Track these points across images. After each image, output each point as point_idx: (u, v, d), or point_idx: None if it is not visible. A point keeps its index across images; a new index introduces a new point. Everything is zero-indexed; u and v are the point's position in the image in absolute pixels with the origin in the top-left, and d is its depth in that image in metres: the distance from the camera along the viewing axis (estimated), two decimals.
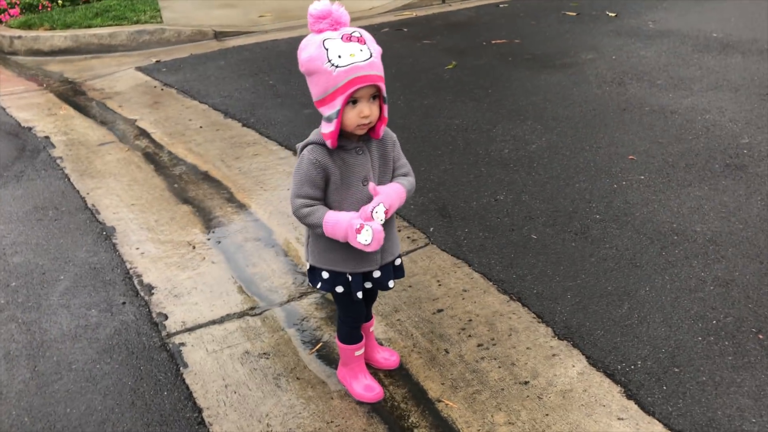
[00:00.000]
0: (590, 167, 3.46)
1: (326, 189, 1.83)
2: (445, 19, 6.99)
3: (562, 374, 2.15)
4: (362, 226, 1.72)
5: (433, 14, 7.27)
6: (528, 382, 2.13)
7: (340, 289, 1.94)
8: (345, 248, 1.85)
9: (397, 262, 2.02)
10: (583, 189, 3.25)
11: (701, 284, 2.51)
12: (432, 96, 4.67)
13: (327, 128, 1.73)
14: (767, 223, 2.86)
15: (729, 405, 1.97)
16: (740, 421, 1.92)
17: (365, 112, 1.71)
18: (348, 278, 1.93)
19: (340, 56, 1.66)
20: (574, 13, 6.79)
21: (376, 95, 1.74)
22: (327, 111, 1.72)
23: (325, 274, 1.94)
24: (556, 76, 4.90)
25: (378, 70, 1.70)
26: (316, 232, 1.84)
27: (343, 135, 1.77)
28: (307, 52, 1.70)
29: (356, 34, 1.70)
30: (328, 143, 1.75)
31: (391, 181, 1.90)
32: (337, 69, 1.65)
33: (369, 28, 5.31)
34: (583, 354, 2.22)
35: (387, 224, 1.86)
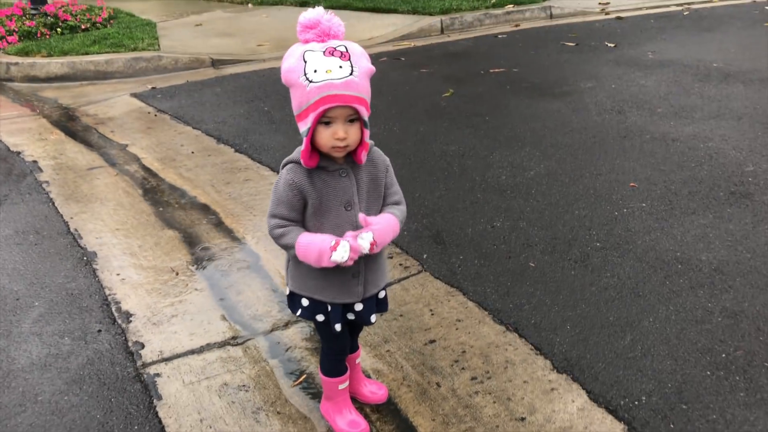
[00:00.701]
0: (590, 194, 3.35)
1: (304, 211, 1.71)
2: (444, 49, 6.97)
3: (561, 410, 2.00)
4: (338, 242, 1.59)
5: (432, 44, 7.25)
6: (525, 418, 1.98)
7: (320, 317, 1.81)
8: (325, 276, 1.72)
9: (381, 294, 1.88)
10: (583, 216, 3.14)
11: (708, 315, 2.37)
12: (428, 123, 4.59)
13: (302, 146, 1.62)
14: None
15: None
16: None
17: (339, 134, 1.57)
18: (327, 307, 1.80)
19: (315, 71, 1.53)
20: (573, 44, 6.76)
21: (355, 118, 1.59)
22: (301, 127, 1.59)
23: (305, 302, 1.81)
24: (554, 104, 4.82)
25: (356, 90, 1.55)
26: (290, 254, 1.72)
27: (324, 156, 1.66)
28: (288, 62, 1.59)
29: (341, 48, 1.56)
30: (302, 162, 1.63)
31: (381, 208, 1.77)
32: (311, 84, 1.52)
33: None
34: (584, 388, 2.08)
35: (372, 256, 1.73)
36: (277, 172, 3.61)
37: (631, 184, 3.42)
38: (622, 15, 8.27)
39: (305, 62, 1.54)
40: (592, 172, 3.61)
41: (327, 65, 1.53)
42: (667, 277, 2.61)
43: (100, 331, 2.48)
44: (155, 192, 3.75)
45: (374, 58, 6.35)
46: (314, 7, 1.62)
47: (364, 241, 1.61)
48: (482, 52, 6.74)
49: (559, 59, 6.18)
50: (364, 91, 1.58)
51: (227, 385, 2.17)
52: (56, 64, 6.54)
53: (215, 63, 6.75)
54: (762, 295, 2.46)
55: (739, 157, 3.68)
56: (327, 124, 1.57)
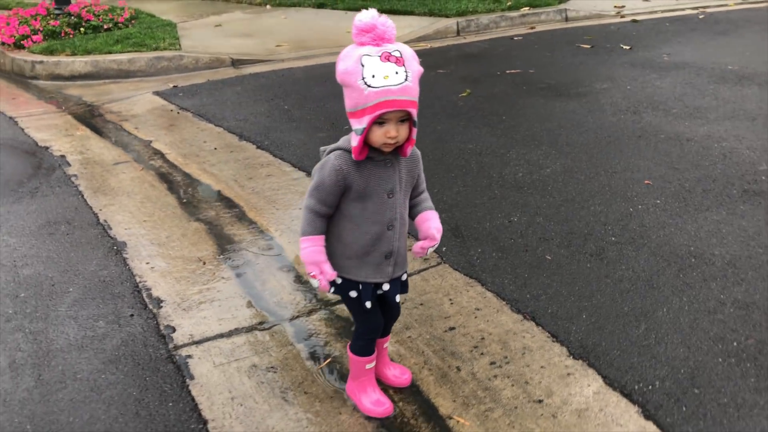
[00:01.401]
0: (605, 191, 3.42)
1: (345, 196, 1.81)
2: (460, 50, 7.06)
3: (577, 393, 2.08)
4: (314, 276, 1.82)
5: (448, 46, 7.34)
6: (542, 400, 2.07)
7: (353, 294, 1.93)
8: (361, 256, 1.86)
9: (404, 277, 2.01)
10: (599, 212, 3.21)
11: (720, 306, 2.44)
12: (445, 122, 4.68)
13: (354, 140, 1.73)
14: None
15: (752, 428, 1.90)
16: None
17: (391, 133, 1.69)
18: (359, 285, 1.91)
19: (374, 76, 1.63)
20: (589, 46, 6.82)
21: (406, 118, 1.71)
22: (355, 124, 1.71)
23: (338, 279, 1.91)
24: (570, 104, 4.90)
25: (410, 94, 1.67)
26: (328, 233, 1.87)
27: (373, 148, 1.77)
28: (344, 64, 1.69)
29: (396, 54, 1.66)
30: (353, 155, 1.74)
31: (412, 195, 1.94)
32: (369, 89, 1.63)
33: None
34: (599, 373, 2.16)
35: (402, 240, 1.91)
36: (299, 168, 3.74)
37: (646, 181, 3.50)
38: (638, 18, 8.32)
39: (363, 66, 1.64)
40: (608, 170, 3.69)
41: (384, 71, 1.64)
42: (681, 270, 2.68)
43: (132, 315, 2.58)
44: (180, 186, 3.86)
45: None
46: (368, 9, 1.70)
47: (313, 282, 1.86)
48: (498, 53, 6.82)
49: (575, 61, 6.25)
50: (416, 94, 1.70)
51: (256, 367, 2.27)
52: (80, 63, 6.69)
53: (235, 63, 6.86)
54: None
55: (753, 156, 3.74)
56: (380, 124, 1.69)
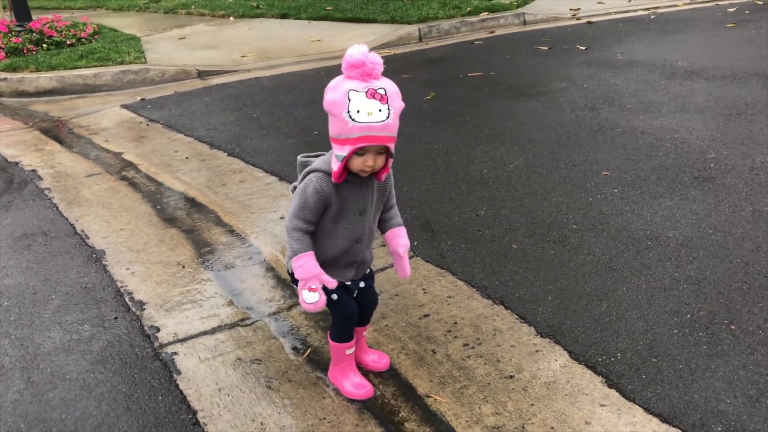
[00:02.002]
0: (566, 183, 3.60)
1: (323, 215, 1.96)
2: (423, 56, 7.23)
3: (545, 368, 2.23)
4: (314, 290, 1.92)
5: (411, 52, 7.51)
6: (513, 376, 2.20)
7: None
8: (327, 264, 2.02)
9: (367, 271, 2.20)
10: (560, 203, 3.38)
11: (675, 283, 2.62)
12: (412, 124, 4.82)
13: (335, 165, 1.86)
14: (735, 228, 3.00)
15: (705, 389, 2.06)
16: (716, 402, 2.00)
17: (369, 162, 1.84)
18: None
19: (359, 111, 1.76)
20: (546, 47, 7.05)
21: (384, 150, 1.86)
22: (337, 150, 1.85)
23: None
24: (530, 103, 5.09)
25: (390, 131, 1.81)
26: (289, 252, 2.00)
27: (351, 171, 1.90)
28: (332, 95, 1.80)
29: (381, 91, 1.78)
30: (333, 178, 1.88)
31: (384, 210, 2.11)
32: (353, 122, 1.76)
33: None
34: (565, 349, 2.31)
35: (366, 249, 2.10)
36: (271, 173, 3.86)
37: (604, 173, 3.68)
38: (593, 20, 8.60)
39: (349, 100, 1.76)
40: (567, 163, 3.87)
41: (369, 107, 1.76)
42: (638, 252, 2.86)
43: (116, 318, 2.66)
44: (155, 195, 3.93)
45: None
46: (360, 48, 1.79)
47: (305, 296, 1.95)
48: (460, 57, 7.01)
49: (534, 62, 6.46)
50: (396, 130, 1.84)
51: (241, 360, 2.37)
52: (45, 79, 6.69)
53: (201, 74, 6.93)
54: (722, 264, 2.72)
55: (702, 145, 3.96)
56: (360, 154, 1.83)
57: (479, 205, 3.44)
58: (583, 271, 2.76)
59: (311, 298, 1.94)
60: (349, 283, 2.10)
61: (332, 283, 1.95)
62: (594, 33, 7.75)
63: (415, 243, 3.11)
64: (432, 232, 3.20)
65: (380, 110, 1.77)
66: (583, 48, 6.88)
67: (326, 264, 2.00)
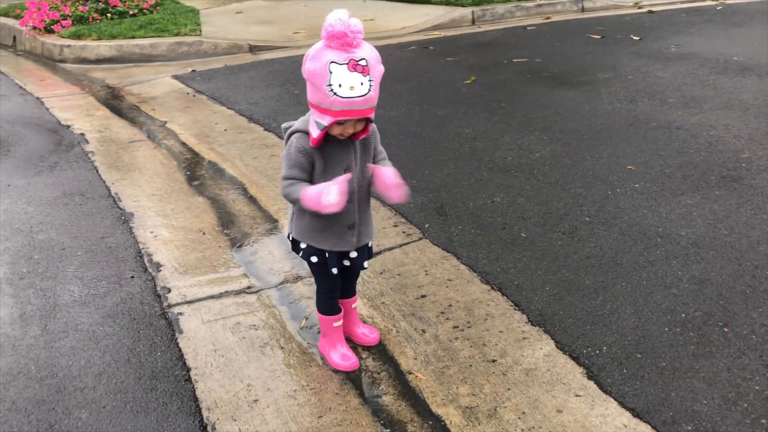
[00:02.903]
0: (588, 175, 3.57)
1: (312, 171, 2.00)
2: (472, 39, 7.18)
3: (529, 355, 2.26)
4: (329, 198, 1.85)
5: (461, 35, 7.47)
6: (495, 360, 2.25)
7: (314, 259, 2.12)
8: (325, 227, 2.05)
9: (370, 244, 2.20)
10: (578, 194, 3.36)
11: (677, 282, 2.59)
12: (447, 107, 4.84)
13: (314, 131, 1.88)
14: (753, 230, 2.93)
15: (683, 388, 2.06)
16: (691, 402, 2.00)
17: (349, 131, 1.90)
18: (324, 252, 2.10)
19: (340, 85, 1.78)
20: (599, 36, 6.90)
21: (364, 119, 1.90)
22: (317, 117, 1.87)
23: (303, 245, 2.11)
24: (570, 92, 5.02)
25: (371, 103, 1.84)
26: (299, 206, 2.02)
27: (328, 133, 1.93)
28: (312, 65, 1.81)
29: (362, 63, 1.79)
30: (311, 143, 1.92)
31: (374, 162, 2.09)
32: (335, 96, 1.78)
33: (397, 46, 5.52)
34: (553, 339, 2.33)
35: (364, 211, 2.09)
36: None
37: (629, 167, 3.63)
38: (654, 9, 8.34)
39: (330, 73, 1.78)
40: (594, 155, 3.82)
41: (350, 81, 1.78)
42: (646, 249, 2.83)
43: (132, 277, 2.82)
44: (189, 164, 4.10)
45: (403, 47, 6.62)
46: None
47: (330, 197, 1.86)
48: (509, 42, 6.94)
49: (582, 51, 6.34)
50: (375, 100, 1.86)
51: (240, 324, 2.49)
52: (105, 47, 6.98)
53: (253, 49, 7.10)
54: (730, 266, 2.67)
55: (738, 144, 3.84)
56: (341, 123, 1.87)
57: (496, 192, 3.46)
58: (586, 263, 2.76)
59: (331, 196, 1.85)
60: (354, 254, 2.10)
61: (342, 179, 1.89)
62: (652, 23, 7.52)
63: (426, 226, 3.16)
64: (445, 216, 3.24)
65: (362, 83, 1.79)
66: (637, 38, 6.69)
67: (323, 229, 2.03)
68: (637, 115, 4.42)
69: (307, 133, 1.95)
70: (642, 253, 2.81)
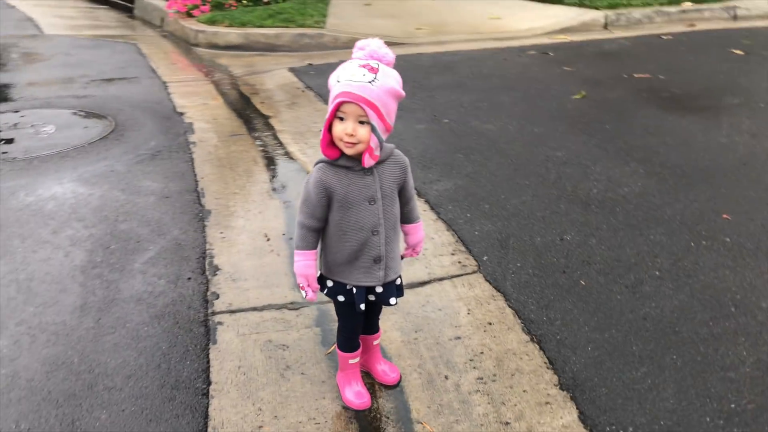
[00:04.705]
0: (674, 220, 3.28)
1: (329, 207, 1.99)
2: (597, 47, 6.79)
3: (546, 423, 2.13)
4: (303, 288, 2.04)
5: (588, 41, 7.08)
6: (509, 423, 2.14)
7: (341, 298, 2.11)
8: (351, 262, 2.02)
9: (398, 281, 2.14)
10: (656, 242, 3.10)
11: (737, 364, 2.33)
12: (546, 124, 4.63)
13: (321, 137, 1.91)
14: None
15: None
16: None
17: (348, 129, 1.83)
18: (351, 290, 2.08)
19: (344, 75, 1.82)
20: (742, 52, 6.27)
21: (366, 121, 1.82)
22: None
23: (329, 283, 2.11)
24: (685, 119, 4.62)
25: (368, 94, 1.78)
26: (326, 240, 2.05)
27: (349, 157, 1.92)
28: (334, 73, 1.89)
29: (373, 64, 1.82)
30: (321, 150, 1.91)
31: (400, 204, 2.06)
32: (336, 85, 1.83)
33: (515, 50, 5.32)
34: (578, 408, 2.18)
35: (392, 245, 2.04)
36: None
37: (725, 215, 3.29)
38: None
39: (341, 69, 1.84)
40: (689, 197, 3.50)
41: (354, 72, 1.82)
42: (713, 319, 2.56)
43: (189, 278, 2.97)
44: (277, 163, 4.23)
45: (521, 51, 6.39)
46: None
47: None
48: (636, 53, 6.49)
49: (717, 69, 5.80)
50: (377, 99, 1.80)
51: (271, 342, 2.55)
52: (234, 35, 7.34)
53: None
54: None
55: None
56: (342, 119, 1.84)
57: (569, 228, 3.27)
58: (639, 325, 2.55)
59: (302, 294, 2.06)
60: (380, 289, 2.07)
61: (315, 287, 2.05)
62: None
63: (485, 258, 3.05)
64: (506, 249, 3.12)
65: (364, 75, 1.80)
66: None
67: (349, 262, 2.02)
68: (756, 154, 3.99)
69: (327, 162, 1.94)
70: (707, 322, 2.54)
